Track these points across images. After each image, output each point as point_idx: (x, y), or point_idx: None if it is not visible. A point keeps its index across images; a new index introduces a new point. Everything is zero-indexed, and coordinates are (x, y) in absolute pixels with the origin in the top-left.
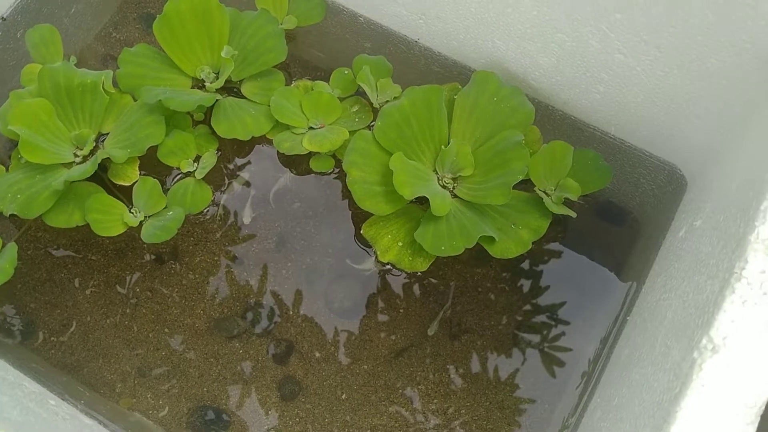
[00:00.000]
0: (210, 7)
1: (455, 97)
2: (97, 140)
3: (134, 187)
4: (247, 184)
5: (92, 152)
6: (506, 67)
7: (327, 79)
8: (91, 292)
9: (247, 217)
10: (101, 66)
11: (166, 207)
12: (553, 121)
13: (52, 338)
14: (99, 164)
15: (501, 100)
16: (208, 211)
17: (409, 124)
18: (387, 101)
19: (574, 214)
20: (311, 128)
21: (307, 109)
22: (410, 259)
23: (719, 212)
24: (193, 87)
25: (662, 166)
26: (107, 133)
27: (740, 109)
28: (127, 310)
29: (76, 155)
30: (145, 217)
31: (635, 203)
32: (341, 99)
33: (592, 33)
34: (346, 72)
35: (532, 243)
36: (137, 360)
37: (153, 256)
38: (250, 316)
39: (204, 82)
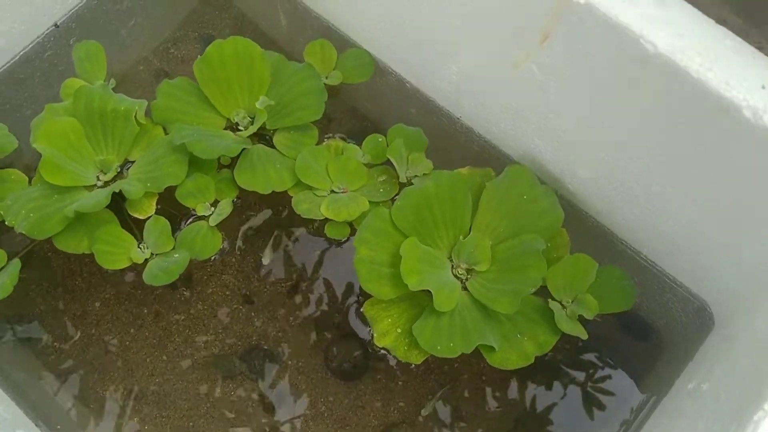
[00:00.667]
0: (252, 54)
1: (487, 183)
2: (122, 167)
3: (147, 222)
4: (271, 225)
5: (115, 178)
6: (543, 165)
7: (365, 137)
8: (101, 305)
9: (266, 257)
10: (153, 80)
11: (173, 248)
12: (585, 228)
13: (54, 344)
14: (119, 191)
15: (531, 200)
16: (229, 244)
17: (430, 208)
18: (416, 176)
19: (584, 336)
20: (333, 192)
21: (333, 173)
22: (406, 349)
23: (724, 386)
24: (226, 128)
25: (692, 299)
26: (134, 161)
27: None
28: (131, 330)
29: (98, 179)
30: (152, 254)
31: (662, 323)
32: (371, 166)
33: (632, 160)
34: (380, 139)
35: (535, 357)
36: (131, 383)
37: None
38: (249, 358)
39: (238, 125)
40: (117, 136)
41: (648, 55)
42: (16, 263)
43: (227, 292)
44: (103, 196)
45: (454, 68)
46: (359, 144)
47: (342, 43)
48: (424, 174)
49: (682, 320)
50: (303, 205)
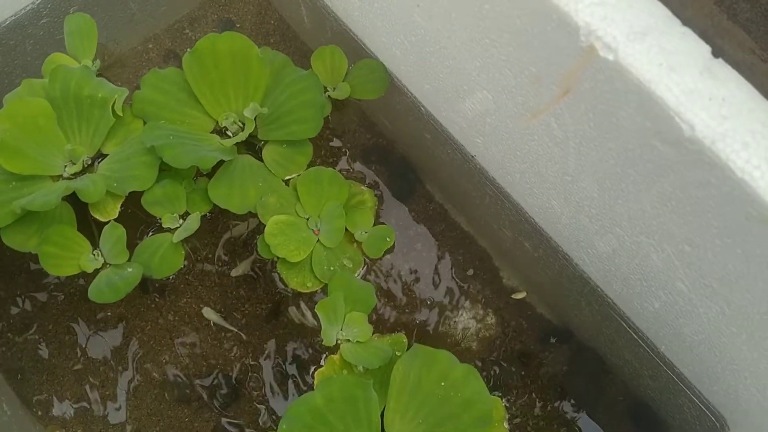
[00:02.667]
0: (249, 54)
1: (396, 365)
2: (94, 159)
3: (104, 228)
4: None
5: (85, 171)
6: (560, 229)
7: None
8: (64, 299)
9: (237, 270)
10: (161, 61)
11: (129, 259)
12: (600, 306)
13: (8, 334)
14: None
15: (452, 386)
16: (213, 250)
17: (325, 422)
18: (348, 341)
19: None
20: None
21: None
22: None
23: None
24: (214, 131)
25: (709, 413)
26: (107, 155)
27: None
28: (90, 332)
29: (66, 169)
30: (106, 264)
31: (676, 423)
32: None
33: (654, 248)
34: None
35: None
36: (80, 390)
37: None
38: (210, 383)
39: (227, 130)
40: (93, 124)
41: (683, 137)
42: None
43: (201, 306)
44: (54, 196)
45: (469, 105)
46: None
47: (358, 52)
48: (358, 341)
49: (696, 430)
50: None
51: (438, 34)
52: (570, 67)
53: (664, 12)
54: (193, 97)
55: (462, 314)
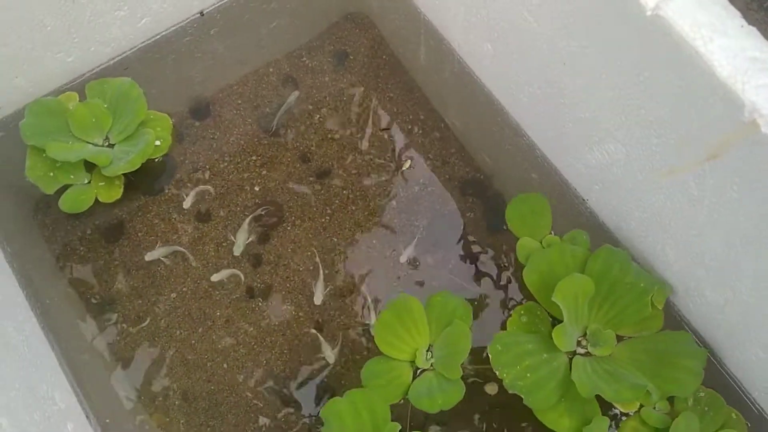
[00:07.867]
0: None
1: None
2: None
3: None
4: None
5: None
6: (667, 274)
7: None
8: (177, 296)
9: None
10: (279, 85)
11: None
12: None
13: (123, 324)
14: None
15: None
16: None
17: None
18: None
19: None
20: None
21: None
22: None
23: None
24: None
25: None
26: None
27: None
28: (199, 329)
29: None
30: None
31: None
32: None
33: None
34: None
35: None
36: (186, 382)
37: (245, 287)
38: (313, 390)
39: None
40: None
41: None
42: None
43: (300, 314)
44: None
45: (596, 154)
46: None
47: (478, 94)
48: None
49: None
50: None
51: (580, 90)
52: (725, 136)
53: None
54: None
55: None
